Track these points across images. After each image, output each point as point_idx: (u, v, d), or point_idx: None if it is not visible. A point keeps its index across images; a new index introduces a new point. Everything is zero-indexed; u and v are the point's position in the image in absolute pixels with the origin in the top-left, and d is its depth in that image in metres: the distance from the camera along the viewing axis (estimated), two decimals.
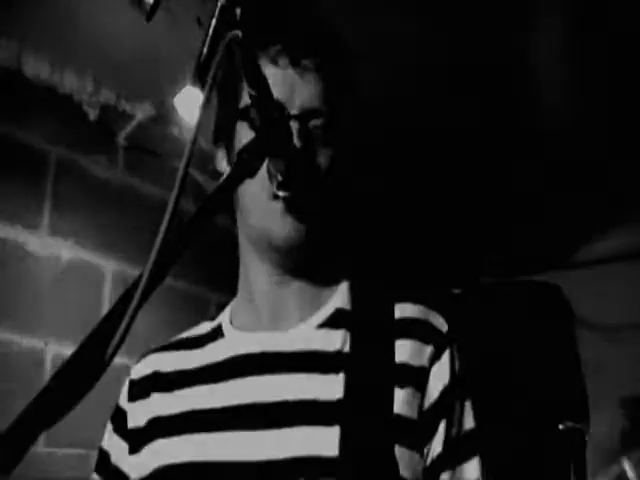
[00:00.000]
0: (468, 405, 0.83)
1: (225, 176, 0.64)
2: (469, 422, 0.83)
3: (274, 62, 0.84)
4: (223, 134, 0.90)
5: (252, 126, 0.81)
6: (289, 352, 0.82)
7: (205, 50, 0.64)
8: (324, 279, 0.89)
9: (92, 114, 2.45)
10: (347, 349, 0.80)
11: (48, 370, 2.22)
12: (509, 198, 3.20)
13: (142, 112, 2.56)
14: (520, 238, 3.60)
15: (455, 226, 3.44)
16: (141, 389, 0.90)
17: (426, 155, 2.79)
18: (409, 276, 3.48)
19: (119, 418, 0.92)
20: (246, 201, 0.85)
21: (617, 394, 3.54)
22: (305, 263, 0.87)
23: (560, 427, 2.59)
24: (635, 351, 3.48)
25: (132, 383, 0.93)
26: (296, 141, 0.78)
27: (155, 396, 0.88)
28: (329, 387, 0.78)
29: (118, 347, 0.50)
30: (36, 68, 2.28)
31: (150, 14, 0.75)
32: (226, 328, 0.90)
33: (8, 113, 2.23)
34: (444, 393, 0.80)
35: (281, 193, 0.78)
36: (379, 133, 2.32)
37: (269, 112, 0.68)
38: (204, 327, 0.94)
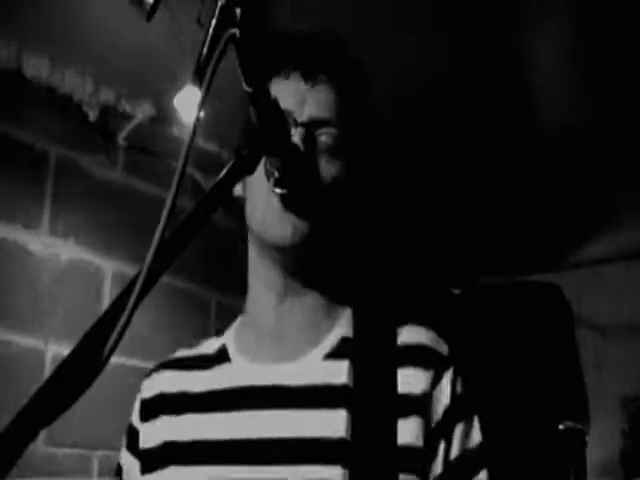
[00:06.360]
0: (473, 423, 0.83)
1: (223, 173, 0.64)
2: (474, 439, 0.83)
3: (286, 77, 0.86)
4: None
5: (250, 124, 0.81)
6: (296, 386, 0.82)
7: (205, 50, 0.64)
8: (328, 302, 0.89)
9: (92, 114, 2.45)
10: (352, 382, 0.81)
11: (48, 370, 2.22)
12: (509, 198, 3.21)
13: (142, 112, 2.56)
14: (521, 238, 3.60)
15: (455, 226, 3.45)
16: (150, 410, 0.91)
17: (426, 155, 2.79)
18: (410, 277, 3.48)
19: (132, 436, 0.92)
20: (253, 199, 0.85)
21: (617, 394, 3.55)
22: (307, 270, 0.86)
23: (560, 427, 2.60)
24: (635, 351, 3.48)
25: (143, 402, 0.92)
26: (300, 146, 0.79)
27: (163, 418, 0.89)
28: (335, 424, 0.79)
29: (116, 345, 0.50)
30: (36, 68, 2.28)
31: (150, 14, 0.75)
32: (232, 352, 0.89)
33: (8, 113, 2.23)
34: (445, 415, 0.80)
35: (278, 190, 0.78)
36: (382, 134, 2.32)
37: (266, 109, 0.68)
38: (210, 345, 0.93)
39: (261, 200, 0.83)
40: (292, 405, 0.81)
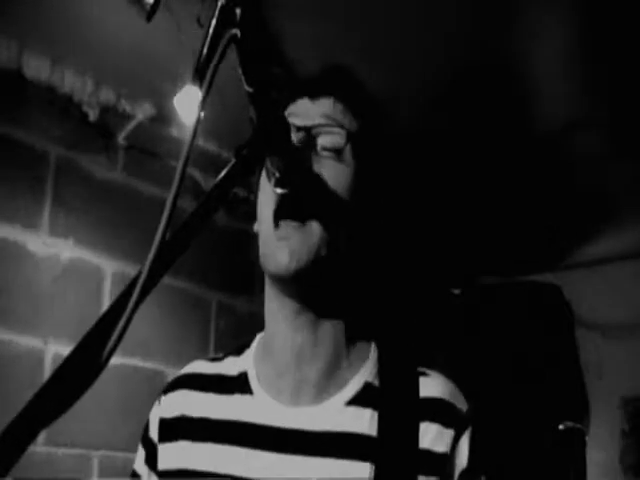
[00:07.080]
0: (483, 478, 0.86)
1: (223, 173, 0.64)
2: None
3: (294, 102, 0.88)
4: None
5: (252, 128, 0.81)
6: (317, 432, 0.82)
7: (205, 50, 0.64)
8: (347, 339, 0.88)
9: (92, 114, 2.45)
10: (374, 431, 0.82)
11: (48, 370, 2.22)
12: (509, 198, 3.21)
13: (142, 112, 2.56)
14: (521, 238, 3.60)
15: (455, 226, 3.45)
16: (170, 431, 0.90)
17: (426, 155, 2.79)
18: (410, 277, 3.48)
19: (150, 450, 0.91)
20: (260, 234, 0.86)
21: (617, 394, 3.54)
22: (314, 298, 0.85)
23: (560, 427, 2.60)
24: (635, 351, 3.48)
25: (162, 421, 0.91)
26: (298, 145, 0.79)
27: (182, 443, 0.88)
28: (355, 473, 0.79)
29: (116, 346, 0.50)
30: (36, 68, 2.28)
31: (150, 14, 0.75)
32: (253, 383, 0.88)
33: (8, 113, 2.23)
34: (461, 476, 0.83)
35: (279, 190, 0.78)
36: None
37: (266, 110, 0.68)
38: (231, 365, 0.92)
39: (263, 233, 0.84)
40: (312, 452, 0.81)
